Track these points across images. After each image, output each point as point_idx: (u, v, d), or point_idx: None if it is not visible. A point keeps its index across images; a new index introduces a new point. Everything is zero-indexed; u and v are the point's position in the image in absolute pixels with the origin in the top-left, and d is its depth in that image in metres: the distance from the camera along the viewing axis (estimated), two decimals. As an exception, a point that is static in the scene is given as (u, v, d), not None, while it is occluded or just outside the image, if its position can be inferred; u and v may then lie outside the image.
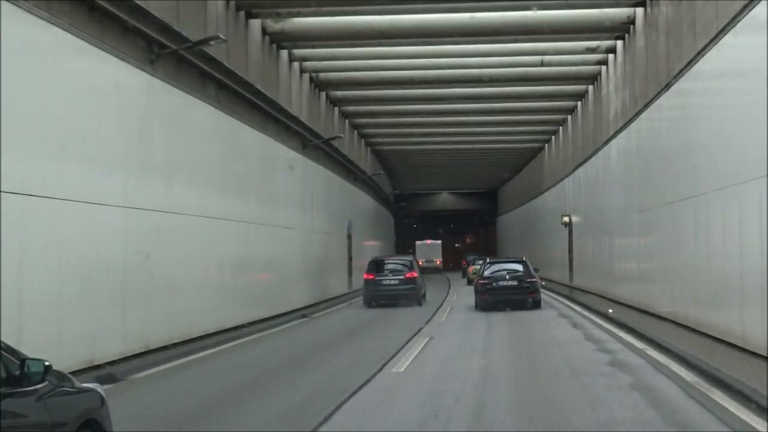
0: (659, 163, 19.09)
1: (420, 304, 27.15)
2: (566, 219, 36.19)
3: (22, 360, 5.27)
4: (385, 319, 22.98)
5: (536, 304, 24.23)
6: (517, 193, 60.52)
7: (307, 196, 27.64)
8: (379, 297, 26.98)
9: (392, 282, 27.01)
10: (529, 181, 53.56)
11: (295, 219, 25.69)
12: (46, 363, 5.39)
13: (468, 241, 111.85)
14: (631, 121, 22.33)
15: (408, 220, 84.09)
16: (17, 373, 5.19)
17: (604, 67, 27.17)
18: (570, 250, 36.14)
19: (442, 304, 27.98)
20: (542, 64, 26.98)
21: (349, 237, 36.53)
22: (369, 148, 46.01)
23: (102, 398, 6.10)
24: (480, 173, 62.60)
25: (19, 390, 5.14)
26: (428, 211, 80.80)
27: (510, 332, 18.01)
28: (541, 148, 46.44)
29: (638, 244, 21.74)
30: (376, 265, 27.85)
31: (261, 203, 21.83)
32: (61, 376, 5.86)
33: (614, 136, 25.06)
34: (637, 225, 21.70)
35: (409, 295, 26.87)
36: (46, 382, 5.42)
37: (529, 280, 24.39)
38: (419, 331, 18.48)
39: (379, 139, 44.27)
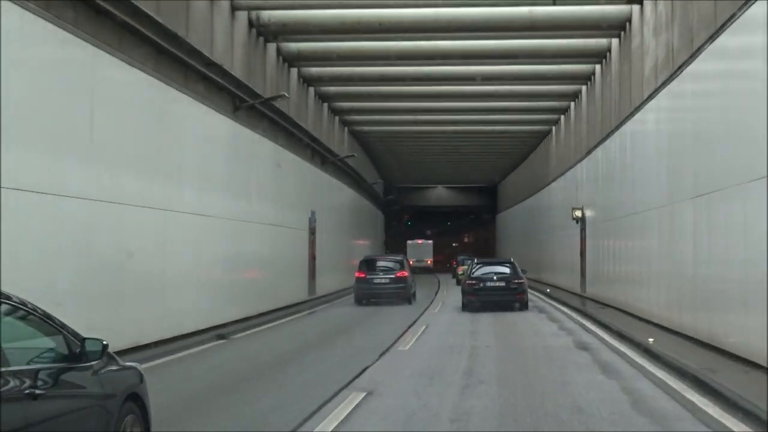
0: (740, 117, 12.30)
1: (410, 303, 27.61)
2: (578, 213, 29.42)
3: (83, 339, 5.83)
4: (328, 344, 16.28)
5: (523, 306, 24.14)
6: (518, 186, 53.70)
7: (237, 174, 20.86)
8: (370, 295, 27.53)
9: (383, 281, 27.45)
10: (532, 173, 46.77)
11: (216, 204, 18.90)
12: (104, 342, 5.94)
13: (466, 240, 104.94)
14: (682, 67, 15.53)
15: (399, 216, 77.38)
16: (78, 350, 5.75)
17: (636, 7, 20.36)
18: (582, 252, 29.37)
19: (417, 320, 21.27)
20: (554, 2, 20.19)
21: (312, 232, 29.78)
22: (346, 128, 39.22)
23: (141, 375, 6.66)
24: (479, 164, 55.83)
25: (79, 365, 5.73)
26: (421, 207, 73.77)
27: (501, 381, 11.08)
28: (548, 132, 39.66)
29: (690, 242, 14.96)
30: (368, 264, 28.32)
31: (149, 176, 15.04)
32: (108, 355, 6.22)
33: (652, 97, 18.28)
34: (690, 215, 14.91)
35: (399, 294, 27.40)
36: (102, 360, 5.98)
37: (516, 281, 24.22)
38: (361, 373, 11.75)
39: (356, 117, 37.46)
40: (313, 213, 29.65)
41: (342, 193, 38.20)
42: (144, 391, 6.57)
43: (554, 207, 37.07)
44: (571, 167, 31.79)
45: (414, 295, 28.98)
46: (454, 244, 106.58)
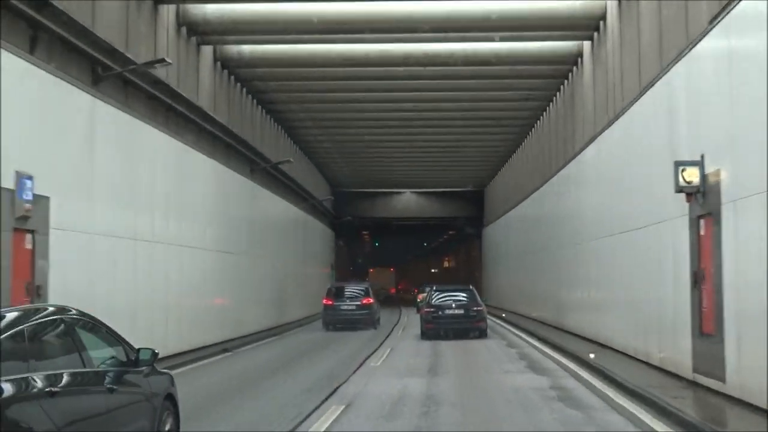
0: None
1: (375, 328, 29.19)
2: (693, 176, 11.67)
3: (138, 349, 7.60)
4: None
5: (482, 333, 23.85)
6: (517, 179, 35.89)
7: None
8: (337, 321, 29.47)
9: (350, 307, 29.54)
10: (541, 150, 29.17)
11: None
12: (156, 351, 7.68)
13: (446, 264, 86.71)
14: None
15: (354, 233, 59.74)
16: (134, 357, 7.55)
17: None
18: (700, 276, 11.62)
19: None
20: None
21: (22, 224, 11.85)
22: (231, 76, 21.50)
23: (173, 380, 8.38)
24: (462, 156, 38.41)
25: (135, 369, 7.55)
26: (383, 219, 55.65)
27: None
28: (569, 71, 22.16)
29: None
30: (335, 291, 30.43)
31: None
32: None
33: None
34: None
35: (365, 320, 29.33)
36: (152, 366, 7.81)
37: (475, 308, 24.22)
38: None
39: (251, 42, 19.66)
40: (23, 181, 11.76)
41: (209, 174, 20.53)
42: (176, 392, 8.25)
43: (595, 194, 19.49)
44: (658, 77, 14.06)
45: (378, 320, 30.73)
46: (433, 270, 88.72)
